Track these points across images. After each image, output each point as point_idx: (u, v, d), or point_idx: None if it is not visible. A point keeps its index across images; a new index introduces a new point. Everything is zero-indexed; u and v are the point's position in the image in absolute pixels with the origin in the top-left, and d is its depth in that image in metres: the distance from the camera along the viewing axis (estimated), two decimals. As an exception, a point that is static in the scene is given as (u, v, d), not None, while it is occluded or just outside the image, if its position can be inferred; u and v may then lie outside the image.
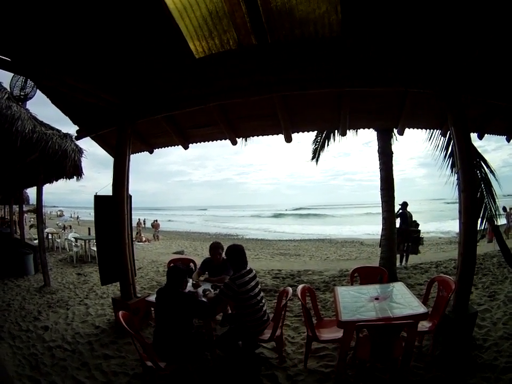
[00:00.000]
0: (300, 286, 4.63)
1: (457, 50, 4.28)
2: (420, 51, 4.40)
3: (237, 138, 6.45)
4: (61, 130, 8.20)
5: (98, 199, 6.01)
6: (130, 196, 6.17)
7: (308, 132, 6.18)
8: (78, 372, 4.53)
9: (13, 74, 4.53)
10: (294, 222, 66.99)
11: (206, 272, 5.76)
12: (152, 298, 4.99)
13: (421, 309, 3.89)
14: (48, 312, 7.00)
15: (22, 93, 4.39)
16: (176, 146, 7.13)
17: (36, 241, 12.97)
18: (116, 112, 6.01)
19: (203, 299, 4.44)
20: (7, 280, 9.92)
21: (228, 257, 4.46)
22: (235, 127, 6.25)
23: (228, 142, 6.64)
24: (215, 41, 4.38)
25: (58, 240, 16.95)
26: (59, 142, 7.85)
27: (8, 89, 6.13)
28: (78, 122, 7.15)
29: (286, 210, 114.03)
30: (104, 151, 7.84)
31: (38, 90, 5.52)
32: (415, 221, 11.64)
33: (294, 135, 6.15)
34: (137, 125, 6.28)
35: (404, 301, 4.23)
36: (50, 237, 17.49)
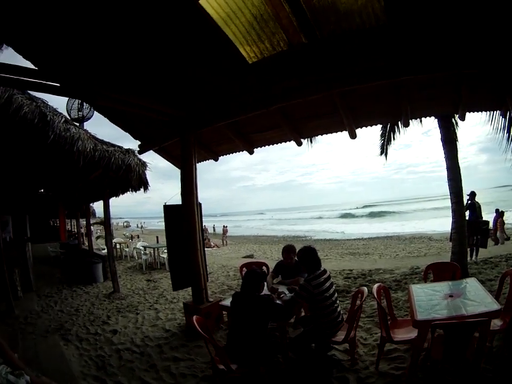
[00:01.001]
0: (375, 285, 4.43)
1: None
2: (475, 29, 4.11)
3: (301, 139, 6.34)
4: (122, 147, 8.60)
5: (168, 209, 6.21)
6: (200, 204, 6.29)
7: (371, 126, 5.88)
8: (146, 373, 4.61)
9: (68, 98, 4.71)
10: (361, 221, 66.18)
11: (279, 275, 5.69)
12: (226, 302, 4.94)
13: (494, 306, 3.57)
14: (118, 316, 7.20)
15: (79, 115, 4.55)
16: (241, 152, 7.10)
17: (104, 251, 13.56)
18: (178, 123, 6.10)
19: (278, 302, 4.39)
20: (75, 287, 10.38)
21: (301, 259, 4.38)
22: (298, 128, 6.08)
23: (288, 144, 6.56)
24: (266, 44, 4.34)
25: (127, 249, 17.56)
26: (122, 158, 8.25)
27: (65, 112, 6.43)
28: (139, 137, 7.46)
29: (356, 208, 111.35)
30: (167, 163, 8.08)
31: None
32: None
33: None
34: (200, 134, 6.35)
35: (477, 297, 3.91)
36: (118, 246, 18.18)
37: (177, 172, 7.44)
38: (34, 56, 5.00)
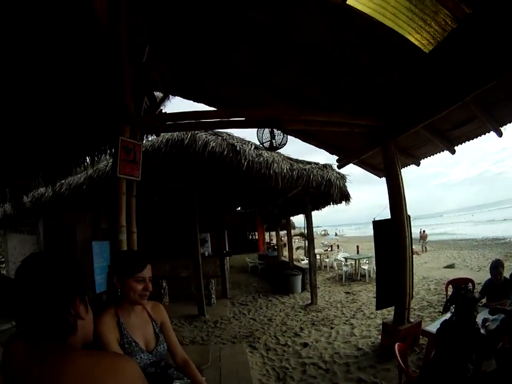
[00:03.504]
0: None
1: None
2: None
3: (500, 128, 5.48)
4: (318, 163, 8.96)
5: (377, 224, 5.97)
6: (409, 216, 5.88)
7: None
8: (325, 391, 4.49)
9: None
10: None
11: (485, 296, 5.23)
12: (430, 328, 4.43)
13: None
14: (311, 329, 7.02)
15: (274, 143, 4.80)
16: (441, 152, 6.53)
17: (304, 262, 13.89)
18: (376, 133, 5.89)
19: (482, 331, 3.80)
20: (271, 297, 10.65)
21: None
22: (495, 115, 5.31)
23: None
24: (434, 26, 3.75)
25: (327, 260, 17.61)
26: (321, 174, 8.69)
27: (256, 142, 6.95)
28: (335, 152, 7.45)
29: None
30: (359, 169, 7.94)
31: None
32: None
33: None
34: (398, 141, 6.03)
35: None
36: (318, 257, 18.10)
37: (370, 176, 7.29)
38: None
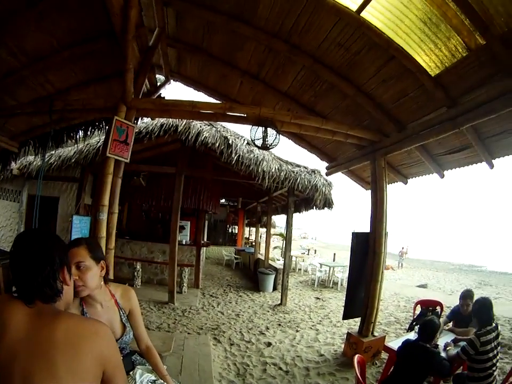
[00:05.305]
0: None
1: None
2: None
3: (492, 160, 5.56)
4: (308, 167, 9.04)
5: (356, 236, 6.09)
6: (387, 233, 5.95)
7: None
8: (282, 393, 4.55)
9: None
10: None
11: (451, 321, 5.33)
12: (393, 345, 4.53)
13: None
14: (277, 330, 7.06)
15: (264, 143, 4.86)
16: (430, 174, 6.56)
17: (279, 262, 13.91)
18: (368, 147, 6.01)
19: (443, 354, 4.00)
20: (242, 292, 10.70)
21: (475, 311, 4.04)
22: (490, 148, 5.39)
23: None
24: (443, 51, 3.84)
25: (302, 263, 17.56)
26: (308, 178, 8.81)
27: (249, 138, 7.00)
28: (326, 159, 7.54)
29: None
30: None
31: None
32: None
33: None
34: (389, 158, 6.14)
35: None
36: (294, 259, 18.12)
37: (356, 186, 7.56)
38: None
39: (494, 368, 3.66)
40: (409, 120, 5.26)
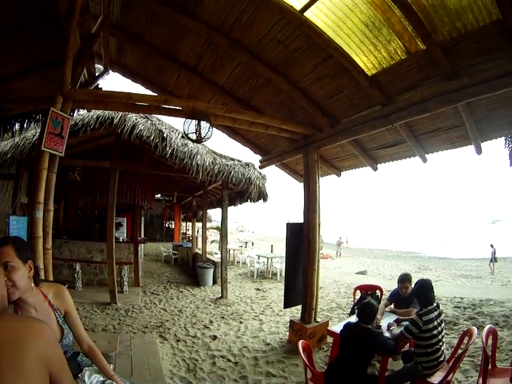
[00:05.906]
0: (486, 328, 3.84)
1: None
2: None
3: (426, 155, 5.86)
4: (242, 160, 9.12)
5: (290, 226, 6.25)
6: (320, 223, 6.10)
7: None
8: (235, 383, 4.57)
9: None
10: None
11: (392, 303, 5.45)
12: (335, 328, 4.65)
13: None
14: (220, 322, 7.10)
15: (198, 136, 4.84)
16: (364, 167, 6.85)
17: (217, 255, 13.88)
18: (302, 141, 6.18)
19: (387, 334, 4.17)
20: (183, 288, 10.64)
21: (416, 293, 4.14)
22: (423, 144, 5.68)
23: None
24: (382, 53, 4.13)
25: (240, 256, 17.59)
26: (242, 171, 8.90)
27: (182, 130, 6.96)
28: (259, 152, 7.66)
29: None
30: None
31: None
32: None
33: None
34: (322, 151, 6.33)
35: None
36: (232, 252, 18.20)
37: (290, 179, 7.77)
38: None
39: (440, 344, 3.82)
40: (343, 116, 5.48)
